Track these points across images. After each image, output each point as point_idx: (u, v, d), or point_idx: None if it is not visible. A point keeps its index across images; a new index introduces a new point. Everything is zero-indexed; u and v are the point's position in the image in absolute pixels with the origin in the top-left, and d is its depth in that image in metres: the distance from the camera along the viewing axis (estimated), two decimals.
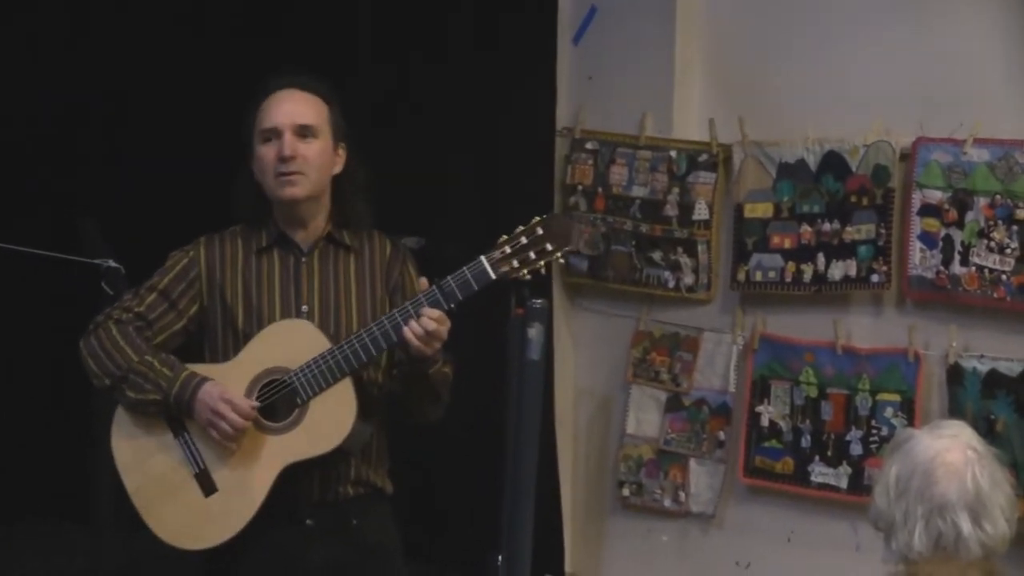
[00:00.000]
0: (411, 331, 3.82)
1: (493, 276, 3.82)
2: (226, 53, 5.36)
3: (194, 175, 5.04)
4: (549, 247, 3.83)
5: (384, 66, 5.44)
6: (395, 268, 4.08)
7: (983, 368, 4.82)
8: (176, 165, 5.29)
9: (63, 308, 5.14)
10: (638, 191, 5.45)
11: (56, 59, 5.36)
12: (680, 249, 5.38)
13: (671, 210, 5.38)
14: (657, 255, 5.42)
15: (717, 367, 5.35)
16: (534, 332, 3.80)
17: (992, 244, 4.80)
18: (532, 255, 3.82)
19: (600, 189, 5.51)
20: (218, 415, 3.84)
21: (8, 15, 5.29)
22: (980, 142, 4.83)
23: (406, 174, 5.37)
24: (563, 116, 5.59)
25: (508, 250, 3.83)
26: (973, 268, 4.83)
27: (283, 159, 3.91)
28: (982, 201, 4.82)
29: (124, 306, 3.99)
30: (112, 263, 4.27)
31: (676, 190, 5.37)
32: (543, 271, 3.86)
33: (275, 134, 3.93)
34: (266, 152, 3.94)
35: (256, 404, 3.88)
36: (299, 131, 3.93)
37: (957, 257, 4.85)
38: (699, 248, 5.35)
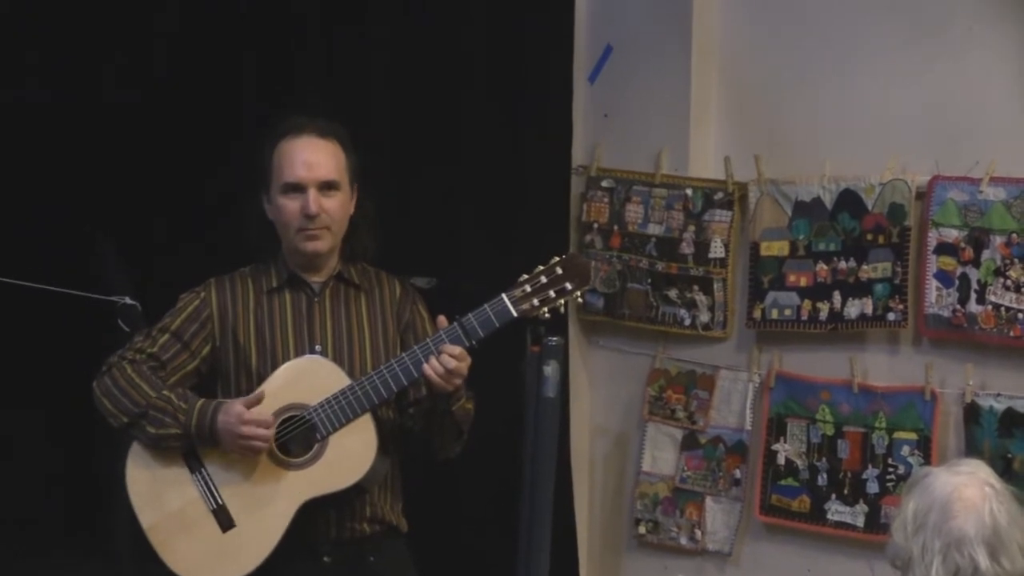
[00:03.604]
0: (432, 368, 3.84)
1: (515, 314, 3.85)
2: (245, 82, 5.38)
3: (214, 206, 5.06)
4: (568, 286, 3.86)
5: (400, 103, 5.46)
6: (406, 308, 4.10)
7: (1000, 407, 4.81)
8: (198, 196, 5.30)
9: (79, 343, 5.16)
10: (654, 229, 5.46)
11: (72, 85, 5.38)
12: (696, 287, 5.38)
13: (687, 248, 5.39)
14: (673, 293, 5.42)
15: (733, 405, 5.34)
16: (550, 369, 3.83)
17: (1008, 283, 4.80)
18: (552, 294, 3.85)
19: (616, 227, 5.51)
20: (245, 422, 3.84)
21: (33, 45, 5.31)
22: (996, 180, 4.83)
23: (421, 212, 5.39)
24: (579, 154, 5.60)
25: (528, 289, 3.85)
26: (989, 306, 4.83)
27: (309, 216, 3.93)
28: (998, 240, 4.82)
29: (136, 347, 4.00)
30: (128, 300, 4.28)
31: (692, 228, 5.38)
32: (562, 310, 3.89)
33: (299, 189, 3.95)
34: (289, 205, 3.96)
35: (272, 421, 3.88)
36: (323, 187, 3.95)
37: (973, 295, 4.85)
38: (715, 286, 5.35)
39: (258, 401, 3.87)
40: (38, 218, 5.36)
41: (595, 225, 5.55)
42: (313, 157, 3.97)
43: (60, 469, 5.32)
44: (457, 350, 3.84)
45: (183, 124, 5.35)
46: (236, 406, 3.87)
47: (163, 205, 5.39)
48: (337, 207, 3.97)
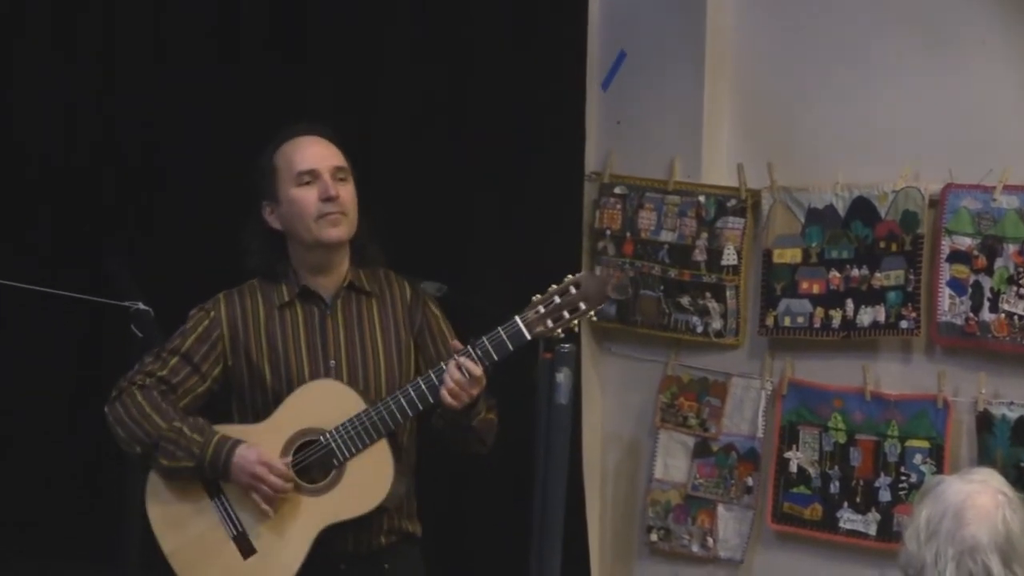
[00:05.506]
0: (448, 383, 3.82)
1: (529, 336, 3.83)
2: (254, 90, 5.38)
3: (223, 215, 5.06)
4: (583, 306, 3.83)
5: (411, 108, 5.46)
6: (417, 310, 4.08)
7: (1013, 415, 4.80)
8: (205, 205, 5.30)
9: (91, 349, 5.16)
10: (667, 236, 5.45)
11: (89, 97, 5.39)
12: (708, 294, 5.38)
13: (700, 255, 5.38)
14: (685, 300, 5.41)
15: (745, 412, 5.34)
16: (562, 376, 3.81)
17: (1022, 291, 4.79)
18: (566, 314, 3.83)
19: (628, 234, 5.51)
20: (257, 478, 3.83)
21: (43, 54, 5.32)
22: (1010, 188, 4.82)
23: (433, 218, 5.39)
24: (592, 161, 5.60)
25: (542, 309, 3.83)
26: (1002, 315, 4.82)
27: (328, 199, 3.93)
28: (1011, 248, 4.81)
29: (146, 371, 3.97)
30: (142, 305, 4.26)
31: (705, 235, 5.37)
32: (576, 329, 3.87)
33: (314, 176, 3.95)
34: (305, 195, 3.95)
35: (289, 460, 3.87)
36: (336, 173, 3.97)
37: (986, 304, 4.84)
38: (727, 293, 5.34)
39: (280, 464, 3.87)
40: (50, 222, 5.37)
41: (608, 232, 5.54)
42: (321, 149, 4.01)
43: (61, 471, 5.32)
44: (477, 369, 3.82)
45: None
46: (256, 448, 3.87)
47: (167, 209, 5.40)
48: (350, 195, 3.99)
